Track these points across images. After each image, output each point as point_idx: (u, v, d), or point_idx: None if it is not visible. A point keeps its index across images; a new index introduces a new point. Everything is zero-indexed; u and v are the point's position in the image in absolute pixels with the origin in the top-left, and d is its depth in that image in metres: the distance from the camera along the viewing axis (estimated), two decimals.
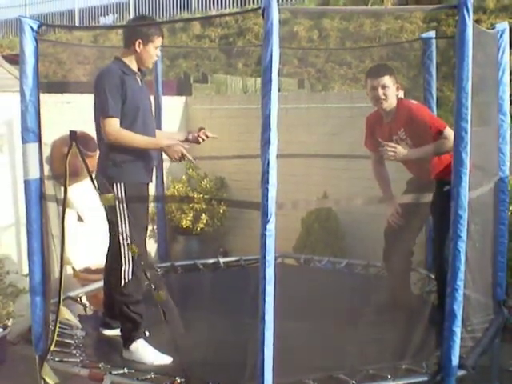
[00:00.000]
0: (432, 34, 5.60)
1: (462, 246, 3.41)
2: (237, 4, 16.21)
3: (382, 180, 5.23)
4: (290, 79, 11.52)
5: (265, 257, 3.12)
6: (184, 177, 8.44)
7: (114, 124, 4.22)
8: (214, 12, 16.35)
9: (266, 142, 3.08)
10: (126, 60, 4.43)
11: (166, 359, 4.04)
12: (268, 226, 3.10)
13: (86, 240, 6.69)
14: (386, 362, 3.74)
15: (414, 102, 4.99)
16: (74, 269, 4.07)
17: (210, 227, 8.16)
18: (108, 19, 19.58)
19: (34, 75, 3.86)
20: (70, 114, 6.78)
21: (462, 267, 3.44)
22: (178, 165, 8.33)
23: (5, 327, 5.53)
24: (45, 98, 7.29)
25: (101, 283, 5.68)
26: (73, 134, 3.84)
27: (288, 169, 5.20)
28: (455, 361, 3.55)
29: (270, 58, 3.05)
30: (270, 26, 3.00)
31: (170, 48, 14.99)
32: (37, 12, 20.32)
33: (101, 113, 4.26)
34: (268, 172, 3.07)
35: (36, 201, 3.92)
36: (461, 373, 3.62)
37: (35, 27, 3.81)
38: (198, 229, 8.09)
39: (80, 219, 3.97)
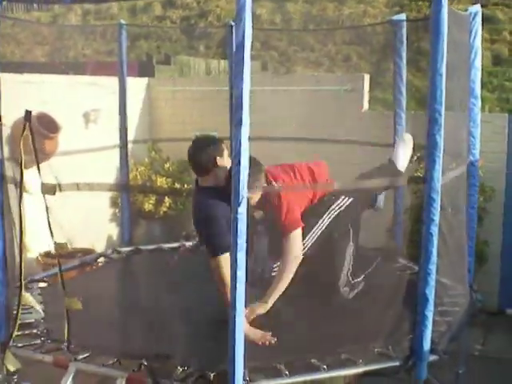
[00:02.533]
0: (402, 16, 5.54)
1: (435, 229, 3.36)
2: None
3: None
4: (253, 61, 11.41)
5: (236, 241, 3.03)
6: (147, 159, 8.32)
7: None
8: None
9: (237, 123, 2.98)
10: None
11: None
12: (239, 210, 3.01)
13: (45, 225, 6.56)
14: (357, 345, 3.68)
15: (277, 187, 4.61)
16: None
17: (174, 211, 8.06)
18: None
19: None
20: (31, 94, 6.62)
21: (435, 251, 3.39)
22: (140, 146, 8.24)
23: None
24: (4, 77, 7.23)
25: (63, 267, 5.61)
26: (28, 113, 3.67)
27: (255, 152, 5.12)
28: (427, 346, 3.51)
29: (243, 36, 2.96)
30: (243, 1, 2.91)
31: (131, 28, 14.81)
32: None
33: None
34: (240, 153, 2.98)
35: None
36: (432, 358, 3.58)
37: None
38: (161, 212, 7.98)
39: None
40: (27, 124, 3.76)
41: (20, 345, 3.87)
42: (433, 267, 3.41)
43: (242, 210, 3.01)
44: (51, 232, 3.73)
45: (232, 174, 3.03)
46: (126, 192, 6.23)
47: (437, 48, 3.24)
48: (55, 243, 3.79)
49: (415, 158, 6.34)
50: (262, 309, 4.14)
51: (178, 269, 5.47)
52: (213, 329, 3.63)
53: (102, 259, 5.94)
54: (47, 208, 3.72)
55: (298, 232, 4.46)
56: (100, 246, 7.52)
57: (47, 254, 6.75)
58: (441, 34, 3.22)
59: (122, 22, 6.25)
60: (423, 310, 3.47)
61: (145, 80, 8.68)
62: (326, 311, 4.13)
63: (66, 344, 3.81)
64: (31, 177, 3.90)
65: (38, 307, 4.19)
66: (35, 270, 5.96)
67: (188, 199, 8.09)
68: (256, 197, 4.36)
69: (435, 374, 3.71)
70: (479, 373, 5.11)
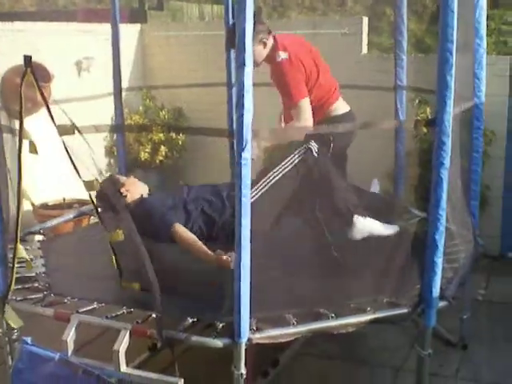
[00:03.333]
0: None
1: (445, 173, 3.26)
2: None
3: None
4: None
5: (240, 188, 2.93)
6: (141, 108, 8.17)
7: None
8: None
9: (240, 64, 2.84)
10: None
11: None
12: (243, 155, 2.89)
13: (43, 174, 6.46)
14: (365, 296, 3.62)
15: (283, 55, 4.80)
16: (33, 204, 3.82)
17: (170, 159, 7.95)
18: None
19: None
20: (23, 43, 6.45)
21: (445, 196, 3.30)
22: (135, 95, 8.09)
23: None
24: None
25: (59, 219, 5.53)
26: (27, 59, 3.53)
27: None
28: (436, 292, 3.45)
29: None
30: None
31: None
32: None
33: None
34: (243, 96, 2.85)
35: None
36: (441, 304, 3.52)
37: None
38: (157, 161, 7.87)
39: (32, 151, 3.69)
40: (28, 70, 3.62)
41: (19, 298, 3.80)
42: (443, 212, 3.33)
43: (247, 155, 2.91)
44: (77, 171, 3.57)
45: (235, 118, 2.91)
46: (121, 135, 6.09)
47: None
48: (84, 182, 3.63)
49: (416, 101, 6.23)
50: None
51: None
52: (221, 278, 3.53)
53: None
54: (66, 148, 3.56)
55: (305, 101, 4.69)
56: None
57: (43, 206, 6.66)
58: None
59: None
60: (432, 256, 3.39)
61: (137, 26, 8.47)
62: (330, 261, 4.03)
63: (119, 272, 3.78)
64: (29, 126, 3.79)
65: (29, 260, 4.07)
66: (32, 223, 5.87)
67: (184, 148, 8.00)
68: (263, 53, 4.80)
69: (440, 320, 3.66)
70: (483, 317, 5.08)
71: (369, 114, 4.82)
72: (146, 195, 4.53)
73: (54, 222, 5.39)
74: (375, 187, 5.17)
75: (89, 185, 3.46)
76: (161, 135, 7.73)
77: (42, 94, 3.57)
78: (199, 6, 10.71)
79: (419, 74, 5.48)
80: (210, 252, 3.93)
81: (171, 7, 10.05)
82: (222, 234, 4.23)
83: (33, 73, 3.55)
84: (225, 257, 3.74)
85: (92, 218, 6.03)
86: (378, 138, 5.76)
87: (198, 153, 7.86)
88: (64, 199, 6.75)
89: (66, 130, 3.46)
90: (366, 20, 7.03)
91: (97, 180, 3.48)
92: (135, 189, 4.52)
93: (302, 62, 4.82)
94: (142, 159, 7.80)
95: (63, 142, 3.44)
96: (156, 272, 3.46)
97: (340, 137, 4.59)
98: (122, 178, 4.68)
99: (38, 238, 5.12)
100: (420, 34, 10.03)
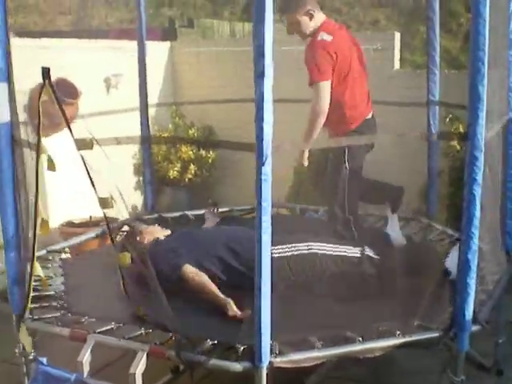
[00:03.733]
0: None
1: (478, 190, 3.10)
2: None
3: None
4: (277, 24, 11.14)
5: (260, 203, 2.80)
6: (170, 126, 8.10)
7: None
8: None
9: (260, 74, 2.73)
10: None
11: None
12: (263, 170, 2.77)
13: (67, 192, 6.40)
14: (395, 319, 3.44)
15: (322, 36, 4.71)
16: (45, 221, 3.70)
17: (199, 178, 7.86)
18: None
19: (1, 10, 3.47)
20: (50, 59, 6.40)
21: (478, 213, 3.13)
22: (164, 113, 8.02)
23: None
24: (22, 42, 7.03)
25: (84, 237, 5.44)
26: (45, 70, 3.44)
27: (284, 116, 4.91)
28: (469, 315, 3.27)
29: None
30: None
31: None
32: None
33: None
34: (262, 108, 2.73)
35: (7, 146, 3.56)
36: (475, 328, 3.34)
37: None
38: (186, 179, 7.78)
39: (51, 168, 3.61)
40: (46, 82, 3.53)
41: (36, 317, 3.70)
42: (476, 231, 3.16)
43: (267, 169, 2.78)
44: (94, 186, 3.48)
45: (256, 132, 2.79)
46: (147, 149, 6.01)
47: None
48: (99, 198, 3.54)
49: (448, 119, 6.07)
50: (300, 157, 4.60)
51: None
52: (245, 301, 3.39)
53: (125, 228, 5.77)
54: (85, 162, 3.47)
55: (326, 84, 4.58)
56: (125, 216, 7.34)
57: (69, 224, 6.59)
58: None
59: None
60: (465, 277, 3.22)
61: (167, 44, 8.43)
62: (357, 282, 3.87)
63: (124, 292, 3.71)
64: (53, 144, 3.71)
65: (45, 278, 3.99)
66: (57, 241, 5.79)
67: (213, 166, 7.90)
68: (309, 25, 4.72)
69: (474, 344, 3.47)
70: None
71: (401, 130, 4.70)
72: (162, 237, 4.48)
73: (77, 240, 5.28)
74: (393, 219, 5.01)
75: (104, 202, 3.36)
76: (190, 153, 7.66)
77: (60, 107, 3.46)
78: (230, 23, 10.65)
79: (452, 90, 5.31)
80: (221, 297, 3.75)
81: (202, 25, 10.00)
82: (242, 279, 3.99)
83: (51, 85, 3.45)
84: (239, 313, 3.57)
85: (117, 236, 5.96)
86: (410, 156, 5.61)
87: (227, 171, 7.77)
88: (90, 217, 6.67)
89: (84, 144, 3.37)
90: (398, 36, 6.89)
91: (112, 197, 3.38)
92: (152, 235, 4.50)
93: (341, 52, 4.72)
94: (171, 177, 7.72)
95: (82, 157, 3.35)
96: (177, 293, 3.35)
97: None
98: (142, 227, 4.71)
99: (61, 255, 5.04)
100: (454, 51, 9.87)
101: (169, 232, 4.60)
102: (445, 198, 5.77)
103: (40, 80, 5.28)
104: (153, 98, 7.89)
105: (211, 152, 7.71)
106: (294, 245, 4.06)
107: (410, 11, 10.87)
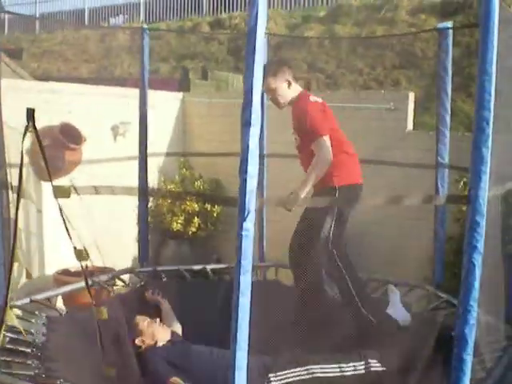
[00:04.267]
0: (448, 23, 5.07)
1: (478, 258, 2.88)
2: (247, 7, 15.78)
3: None
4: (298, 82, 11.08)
5: (240, 261, 2.60)
6: (177, 177, 7.95)
7: None
8: (224, 15, 16.01)
9: (245, 123, 2.56)
10: None
11: None
12: (245, 225, 2.58)
13: (66, 241, 6.22)
14: None
15: (312, 99, 4.76)
16: (27, 270, 3.55)
17: (203, 231, 7.66)
18: (118, 20, 19.39)
19: None
20: (56, 103, 6.33)
21: (477, 285, 2.90)
22: (171, 163, 7.89)
23: None
24: (29, 84, 6.97)
25: (78, 285, 5.24)
26: (30, 112, 3.29)
27: (285, 172, 4.73)
28: None
29: (255, 22, 2.54)
30: None
31: (177, 48, 14.73)
32: (47, 10, 20.17)
33: None
34: (247, 160, 2.55)
35: None
36: None
37: None
38: (190, 232, 7.59)
39: (39, 210, 3.46)
40: (30, 123, 3.39)
41: (5, 371, 3.48)
42: (474, 304, 2.93)
43: (249, 225, 2.58)
44: (69, 236, 3.33)
45: (240, 184, 2.60)
46: (143, 201, 5.84)
47: (486, 46, 2.77)
48: (74, 249, 3.39)
49: (462, 183, 5.86)
50: (293, 200, 4.15)
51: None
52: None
53: (119, 284, 5.64)
54: (61, 212, 3.32)
55: (327, 138, 4.56)
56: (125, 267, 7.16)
57: (64, 272, 6.39)
58: (491, 30, 2.76)
59: (145, 26, 5.98)
60: (461, 352, 2.98)
61: (180, 95, 8.33)
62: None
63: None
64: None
65: (22, 330, 3.78)
66: (50, 288, 5.61)
67: (219, 220, 7.72)
68: (287, 93, 4.69)
69: None
70: None
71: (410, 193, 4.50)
72: (161, 343, 4.38)
73: (64, 289, 5.10)
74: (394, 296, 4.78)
75: (79, 254, 3.19)
76: (195, 205, 7.47)
77: (42, 153, 3.30)
78: None
79: (466, 153, 5.15)
80: None
81: (216, 77, 9.93)
82: None
83: (34, 126, 3.29)
84: None
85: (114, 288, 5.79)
86: (419, 220, 5.41)
87: (232, 225, 7.56)
88: (87, 266, 6.45)
89: (62, 192, 3.20)
90: (412, 96, 6.72)
91: (85, 250, 3.22)
92: (152, 339, 4.39)
93: (330, 114, 4.81)
94: (175, 230, 7.53)
95: (59, 206, 3.19)
96: None
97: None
98: (144, 324, 4.49)
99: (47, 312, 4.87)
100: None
101: (169, 334, 4.48)
102: (453, 265, 5.52)
103: (47, 123, 5.21)
104: (162, 147, 7.79)
105: (216, 206, 7.53)
106: (292, 370, 3.83)
107: (431, 73, 10.74)
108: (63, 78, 11.93)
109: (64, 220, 3.29)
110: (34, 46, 17.35)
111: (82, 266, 3.42)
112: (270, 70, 4.60)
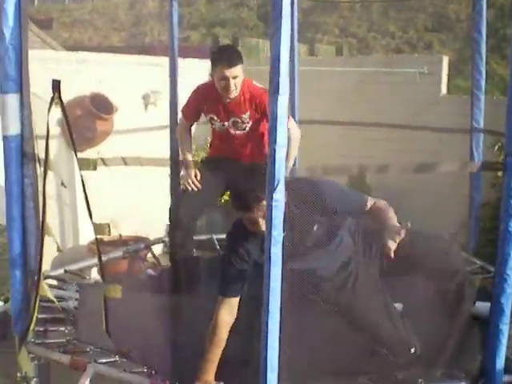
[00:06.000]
0: None
1: None
2: None
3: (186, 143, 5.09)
4: (329, 46, 10.93)
5: (271, 232, 2.56)
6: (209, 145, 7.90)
7: None
8: None
9: (274, 91, 2.50)
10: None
11: None
12: (275, 196, 2.53)
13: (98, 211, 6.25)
14: (416, 367, 3.14)
15: (259, 85, 4.63)
16: (57, 243, 3.57)
17: None
18: None
19: (15, 14, 3.30)
20: (86, 73, 6.29)
21: None
22: (202, 131, 7.84)
23: (6, 300, 5.07)
24: (59, 55, 6.95)
25: (113, 255, 5.28)
26: (55, 83, 3.28)
27: (317, 138, 4.64)
28: (500, 364, 2.96)
29: None
30: None
31: (207, 16, 14.65)
32: None
33: None
34: (275, 129, 2.50)
35: (17, 160, 3.40)
36: (507, 378, 3.03)
37: None
38: (222, 201, 7.55)
39: (63, 185, 3.47)
40: (55, 95, 3.37)
41: (39, 341, 3.51)
42: (510, 272, 2.86)
43: (279, 196, 2.54)
44: (89, 211, 3.36)
45: (269, 153, 2.56)
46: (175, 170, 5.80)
47: None
48: (94, 225, 3.43)
49: (496, 147, 5.76)
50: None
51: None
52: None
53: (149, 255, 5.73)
54: (84, 185, 3.32)
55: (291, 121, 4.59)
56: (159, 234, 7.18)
57: (99, 242, 6.41)
58: None
59: None
60: (497, 321, 2.93)
61: (208, 62, 8.26)
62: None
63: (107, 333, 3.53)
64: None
65: (55, 300, 3.80)
66: (85, 258, 5.64)
67: None
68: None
69: None
70: None
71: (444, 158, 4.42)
72: None
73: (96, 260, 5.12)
74: None
75: (100, 228, 3.18)
76: None
77: (67, 125, 3.29)
78: None
79: (501, 117, 5.05)
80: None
81: (246, 44, 9.84)
82: None
83: (60, 98, 3.28)
84: None
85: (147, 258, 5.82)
86: (454, 185, 5.32)
87: None
88: (120, 235, 6.48)
89: (87, 164, 3.19)
90: (446, 59, 6.60)
91: (108, 225, 3.21)
92: None
93: None
94: None
95: (81, 177, 3.19)
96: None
97: None
98: None
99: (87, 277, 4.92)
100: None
101: None
102: (489, 232, 5.44)
103: (77, 93, 5.19)
104: None
105: None
106: None
107: (465, 36, 10.58)
108: (94, 47, 11.93)
109: (86, 194, 3.29)
110: (64, 16, 17.37)
111: (96, 242, 3.41)
112: (239, 58, 4.51)
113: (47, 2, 19.33)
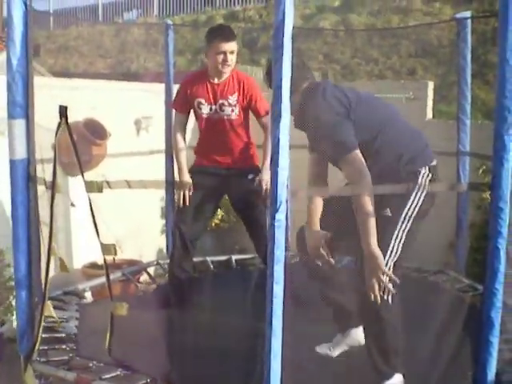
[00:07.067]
0: (467, 13, 5.13)
1: (503, 243, 2.97)
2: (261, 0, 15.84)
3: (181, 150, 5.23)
4: (314, 73, 11.08)
5: (273, 251, 2.69)
6: None
7: None
8: (238, 7, 16.05)
9: (276, 116, 2.65)
10: None
11: None
12: (277, 216, 2.67)
13: (92, 234, 6.33)
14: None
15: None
16: (61, 260, 3.67)
17: (226, 223, 7.74)
18: (132, 14, 19.43)
19: (22, 43, 3.45)
20: (80, 100, 6.42)
21: (502, 268, 2.99)
22: (193, 156, 7.96)
23: (2, 323, 5.15)
24: (52, 81, 7.06)
25: (96, 281, 5.37)
26: (62, 108, 3.41)
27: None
28: (491, 376, 3.10)
29: (283, 18, 2.61)
30: None
31: (193, 42, 14.75)
32: (61, 7, 20.25)
33: None
34: (278, 152, 2.64)
35: (22, 183, 3.53)
36: None
37: None
38: (213, 224, 7.67)
39: (72, 204, 3.58)
40: (63, 120, 3.50)
41: (43, 359, 3.61)
42: (499, 287, 3.02)
43: (281, 216, 2.67)
44: (97, 231, 3.43)
45: (271, 176, 2.70)
46: (170, 193, 5.94)
47: (505, 33, 2.84)
48: (102, 244, 3.50)
49: (481, 170, 5.93)
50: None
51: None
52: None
53: (144, 277, 5.85)
54: (91, 206, 3.43)
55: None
56: (150, 259, 7.26)
57: (93, 265, 6.50)
58: (509, 19, 2.83)
59: (169, 22, 6.08)
60: (487, 335, 3.06)
61: None
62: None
63: (108, 349, 3.62)
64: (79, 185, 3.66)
65: (57, 318, 3.91)
66: (78, 282, 5.72)
67: None
68: None
69: None
70: None
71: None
72: None
73: (94, 282, 5.22)
74: None
75: (107, 248, 3.30)
76: None
77: (74, 148, 3.41)
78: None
79: (486, 142, 5.20)
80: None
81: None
82: None
83: (67, 123, 3.41)
84: None
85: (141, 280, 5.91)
86: (441, 207, 5.47)
87: None
88: (114, 259, 6.56)
89: (94, 187, 3.31)
90: (431, 85, 6.78)
91: (114, 245, 3.32)
92: None
93: None
94: None
95: (89, 200, 3.30)
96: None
97: None
98: None
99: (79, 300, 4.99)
100: (492, 103, 9.72)
101: None
102: (475, 252, 5.59)
103: (71, 119, 5.30)
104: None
105: None
106: None
107: (447, 62, 10.77)
108: (81, 74, 12.04)
109: (93, 215, 3.39)
110: (50, 42, 17.45)
111: (104, 261, 3.52)
112: (234, 34, 4.75)
113: (33, 28, 19.42)
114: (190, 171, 5.17)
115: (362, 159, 3.41)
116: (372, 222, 3.31)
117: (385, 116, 3.70)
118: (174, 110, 5.28)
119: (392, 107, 3.93)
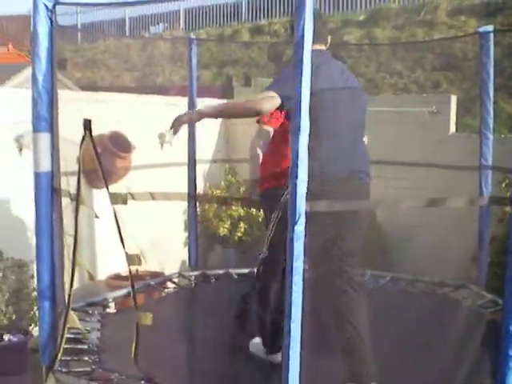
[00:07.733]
0: (490, 27, 5.14)
1: None
2: (286, 13, 15.90)
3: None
4: None
5: (292, 263, 2.71)
6: (223, 183, 8.08)
7: None
8: (263, 21, 16.12)
9: (296, 130, 2.67)
10: None
11: None
12: (296, 228, 2.69)
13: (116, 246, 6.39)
14: None
15: None
16: (89, 272, 3.72)
17: (249, 236, 7.77)
18: (158, 28, 19.61)
19: (47, 59, 3.53)
20: (105, 113, 6.49)
21: None
22: (216, 170, 8.03)
23: (26, 333, 5.21)
24: (78, 95, 7.15)
25: (119, 292, 5.41)
26: (87, 122, 3.48)
27: None
28: None
29: (302, 34, 2.64)
30: None
31: (218, 55, 14.83)
32: (88, 20, 20.47)
33: None
34: (297, 165, 2.67)
35: (46, 196, 3.59)
36: None
37: (50, 5, 3.48)
38: (236, 238, 7.70)
39: (97, 216, 3.63)
40: (87, 133, 3.56)
41: (65, 370, 3.65)
42: None
43: (300, 228, 2.70)
44: (122, 242, 3.47)
45: (291, 189, 2.72)
46: (193, 206, 5.96)
47: None
48: (127, 254, 3.54)
49: (504, 184, 5.91)
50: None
51: None
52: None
53: (169, 285, 5.84)
54: (116, 218, 3.47)
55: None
56: (173, 271, 7.30)
57: (117, 277, 6.56)
58: None
59: (193, 36, 6.14)
60: (507, 349, 3.05)
61: (223, 101, 8.48)
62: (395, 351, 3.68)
63: (134, 358, 3.63)
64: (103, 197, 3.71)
65: (82, 329, 3.95)
66: (102, 293, 5.78)
67: (264, 224, 7.81)
68: None
69: None
70: None
71: (454, 195, 4.56)
72: None
73: (118, 293, 5.26)
74: None
75: (131, 258, 3.34)
76: (241, 211, 7.58)
77: (98, 160, 3.46)
78: None
79: (510, 155, 5.21)
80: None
81: (259, 83, 10.06)
82: None
83: (91, 136, 3.46)
84: None
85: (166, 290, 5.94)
86: (462, 220, 5.47)
87: None
88: (137, 270, 6.62)
89: (118, 199, 3.36)
90: (454, 99, 6.77)
91: (138, 256, 3.36)
92: None
93: None
94: (221, 235, 7.66)
95: (114, 212, 3.34)
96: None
97: None
98: None
99: (101, 310, 5.03)
100: None
101: None
102: (496, 266, 5.57)
103: (97, 132, 5.38)
104: (207, 154, 7.93)
105: (261, 210, 7.63)
106: None
107: (472, 75, 10.75)
108: (107, 87, 12.16)
109: (118, 226, 3.43)
110: (78, 56, 17.64)
111: (129, 271, 3.55)
112: None
113: (60, 42, 19.62)
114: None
115: (275, 104, 3.49)
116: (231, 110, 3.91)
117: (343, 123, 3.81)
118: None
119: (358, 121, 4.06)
